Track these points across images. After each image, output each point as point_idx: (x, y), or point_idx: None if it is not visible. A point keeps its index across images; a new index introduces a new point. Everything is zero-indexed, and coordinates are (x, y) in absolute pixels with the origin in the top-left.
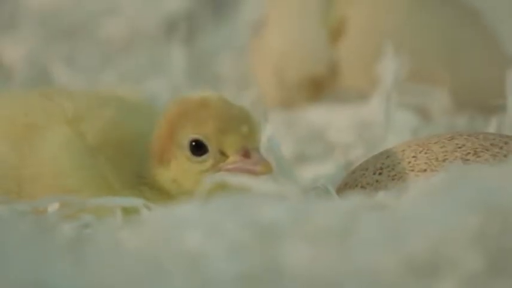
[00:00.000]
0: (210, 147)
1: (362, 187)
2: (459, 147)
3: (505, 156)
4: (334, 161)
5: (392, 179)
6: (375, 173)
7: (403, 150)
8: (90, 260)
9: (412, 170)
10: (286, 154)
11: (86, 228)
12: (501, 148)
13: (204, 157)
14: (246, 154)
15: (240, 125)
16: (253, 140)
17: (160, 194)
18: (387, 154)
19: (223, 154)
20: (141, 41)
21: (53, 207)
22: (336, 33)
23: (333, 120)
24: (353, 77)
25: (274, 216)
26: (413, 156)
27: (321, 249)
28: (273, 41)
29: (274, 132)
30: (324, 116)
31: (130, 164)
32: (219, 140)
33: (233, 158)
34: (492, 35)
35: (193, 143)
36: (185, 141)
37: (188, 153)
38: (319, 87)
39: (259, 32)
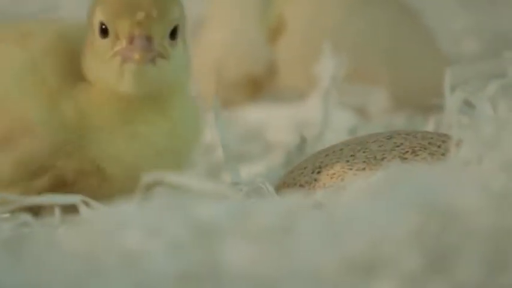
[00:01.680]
0: (110, 31)
1: (301, 186)
2: (397, 146)
3: (443, 154)
4: (273, 160)
5: (331, 178)
6: (314, 172)
7: (342, 149)
8: (28, 259)
9: (351, 169)
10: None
11: (24, 227)
12: (439, 147)
13: (107, 40)
14: (131, 40)
15: (137, 11)
16: (145, 27)
17: (93, 86)
18: (326, 153)
19: (118, 38)
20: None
21: None
22: (274, 32)
23: (272, 119)
24: (292, 76)
25: (213, 215)
26: (352, 155)
27: (261, 248)
28: (212, 40)
29: (224, 129)
30: (262, 115)
31: (72, 67)
32: (115, 24)
33: (121, 43)
34: (430, 35)
35: (102, 26)
36: (96, 25)
37: (98, 35)
38: (258, 86)
39: (199, 30)
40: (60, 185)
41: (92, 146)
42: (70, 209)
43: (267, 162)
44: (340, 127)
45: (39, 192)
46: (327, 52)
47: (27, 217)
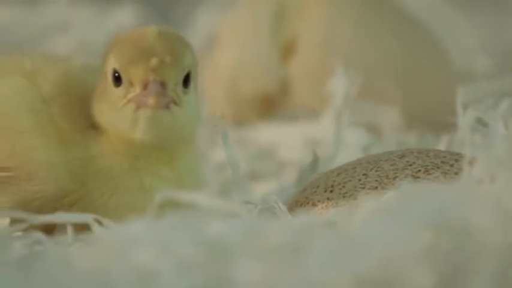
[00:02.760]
0: (123, 78)
1: (313, 205)
2: (410, 165)
3: (456, 173)
4: (286, 179)
5: (343, 197)
6: (326, 191)
7: (354, 168)
8: (41, 277)
9: (363, 188)
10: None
11: (37, 245)
12: (452, 165)
13: (120, 88)
14: (145, 86)
15: (151, 57)
16: (159, 73)
17: (102, 134)
18: (338, 172)
19: (132, 85)
20: (90, 57)
21: (4, 222)
22: (287, 50)
23: (284, 137)
24: (304, 95)
25: (225, 233)
26: (364, 174)
27: (272, 267)
28: (224, 58)
29: (234, 148)
30: (275, 134)
31: (81, 112)
32: (128, 71)
33: (135, 89)
34: (443, 53)
35: (115, 74)
36: (110, 73)
37: (111, 83)
38: (271, 104)
39: (211, 48)
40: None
41: (95, 195)
42: (83, 227)
43: (280, 181)
44: (352, 145)
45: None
46: (340, 70)
47: (39, 235)
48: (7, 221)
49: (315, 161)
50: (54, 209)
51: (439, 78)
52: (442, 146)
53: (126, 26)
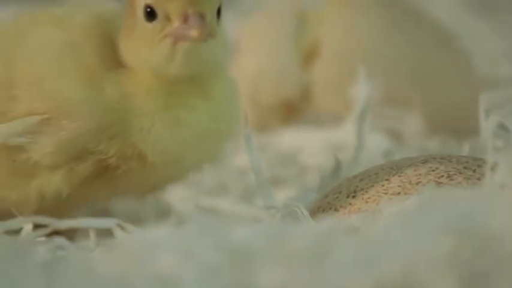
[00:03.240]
0: (158, 13)
1: (336, 210)
2: (432, 170)
3: (478, 179)
4: (308, 184)
5: (366, 202)
6: (349, 196)
7: (377, 173)
8: (64, 282)
9: (386, 193)
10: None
11: (59, 250)
12: (474, 171)
13: (154, 23)
14: (185, 19)
15: None
16: (196, 4)
17: (133, 73)
18: (361, 177)
19: (169, 19)
20: None
21: (27, 228)
22: (309, 56)
23: (306, 143)
24: (326, 100)
25: (247, 238)
26: (387, 179)
27: (295, 272)
28: (246, 64)
29: (257, 152)
30: (297, 139)
31: (113, 52)
32: (164, 5)
33: (174, 23)
34: (465, 58)
35: (147, 9)
36: (141, 8)
37: (143, 19)
38: (293, 110)
39: (233, 55)
40: (103, 170)
41: (133, 130)
42: (105, 232)
43: (302, 186)
44: (375, 151)
45: (83, 177)
46: (362, 76)
47: (62, 240)
48: (30, 226)
49: (337, 167)
50: (96, 144)
51: (461, 84)
52: (464, 151)
53: None
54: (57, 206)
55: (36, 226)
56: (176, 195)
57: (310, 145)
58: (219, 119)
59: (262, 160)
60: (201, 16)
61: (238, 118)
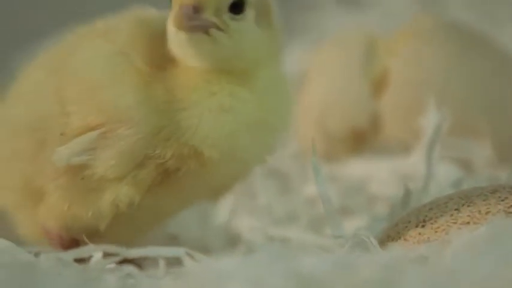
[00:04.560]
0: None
1: (405, 239)
2: (502, 200)
3: None
4: (377, 213)
5: (435, 232)
6: (418, 226)
7: (446, 203)
8: None
9: (455, 223)
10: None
11: (129, 278)
12: None
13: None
14: (180, 8)
15: None
16: None
17: (177, 66)
18: (430, 207)
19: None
20: None
21: (97, 256)
22: (377, 85)
23: (376, 172)
24: (395, 130)
25: (317, 267)
26: (456, 209)
27: None
28: (315, 94)
29: (326, 181)
30: (366, 169)
31: (159, 50)
32: None
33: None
34: None
35: None
36: None
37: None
38: (361, 139)
39: (302, 84)
40: (164, 175)
41: (184, 128)
42: (174, 261)
43: (371, 216)
44: (444, 180)
45: (148, 184)
46: (431, 105)
47: (132, 268)
48: (100, 254)
49: (407, 196)
50: (154, 148)
51: None
52: None
53: None
54: (130, 219)
55: (106, 254)
56: (245, 224)
57: (378, 174)
58: (264, 109)
59: (331, 189)
60: (195, 8)
61: (288, 112)
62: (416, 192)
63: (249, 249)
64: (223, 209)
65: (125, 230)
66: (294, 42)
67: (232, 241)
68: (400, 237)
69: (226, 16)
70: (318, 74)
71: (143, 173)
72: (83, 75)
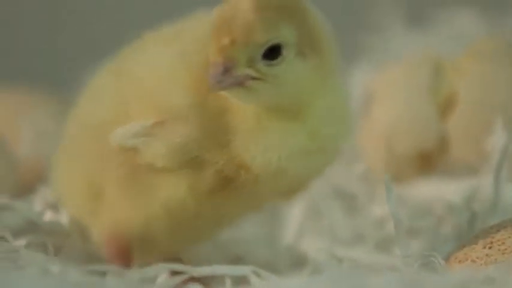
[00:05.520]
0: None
1: (472, 261)
2: None
3: None
4: (444, 235)
5: (503, 253)
6: (485, 247)
7: None
8: None
9: None
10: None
11: None
12: None
13: None
14: (212, 67)
15: (226, 33)
16: (223, 52)
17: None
18: (497, 228)
19: None
20: None
21: (162, 276)
22: (445, 106)
23: (442, 193)
24: (462, 151)
25: (383, 287)
26: None
27: None
28: (382, 115)
29: (395, 204)
30: (433, 190)
31: None
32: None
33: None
34: None
35: None
36: None
37: None
38: (429, 161)
39: (368, 106)
40: (222, 182)
41: (237, 141)
42: (241, 279)
43: (438, 237)
44: (511, 202)
45: (206, 189)
46: (498, 126)
47: (198, 287)
48: (166, 274)
49: (474, 218)
50: (206, 151)
51: None
52: None
53: None
54: (185, 225)
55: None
56: (311, 245)
57: (446, 196)
58: (317, 138)
59: (399, 210)
60: (226, 67)
61: (345, 134)
62: (484, 214)
63: (316, 269)
64: (290, 230)
65: (179, 239)
66: (360, 63)
67: (298, 262)
68: (467, 259)
69: (262, 64)
70: (385, 95)
71: (197, 174)
72: (143, 77)
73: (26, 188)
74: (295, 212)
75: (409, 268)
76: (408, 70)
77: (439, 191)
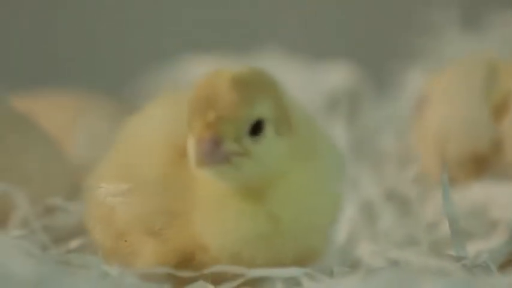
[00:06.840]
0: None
1: None
2: None
3: None
4: (497, 238)
5: None
6: None
7: None
8: None
9: None
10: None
11: None
12: None
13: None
14: (199, 143)
15: (210, 109)
16: (215, 128)
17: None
18: None
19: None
20: None
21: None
22: (499, 109)
23: (497, 197)
24: None
25: None
26: None
27: None
28: (434, 118)
29: (452, 205)
30: (486, 193)
31: None
32: (191, 124)
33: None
34: None
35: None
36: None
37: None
38: (482, 163)
39: (421, 108)
40: (182, 259)
41: (197, 220)
42: (292, 281)
43: (491, 240)
44: None
45: (170, 264)
46: None
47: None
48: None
49: None
50: (170, 225)
51: None
52: None
53: (340, 88)
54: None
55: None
56: (365, 248)
57: (499, 199)
58: (272, 222)
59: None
60: (215, 141)
61: (310, 221)
62: None
63: (369, 272)
64: (343, 232)
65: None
66: (415, 66)
67: (351, 265)
68: None
69: (247, 140)
70: (439, 98)
71: (160, 247)
72: (127, 142)
73: (80, 190)
74: (347, 215)
75: (464, 271)
76: (462, 72)
77: (493, 194)
